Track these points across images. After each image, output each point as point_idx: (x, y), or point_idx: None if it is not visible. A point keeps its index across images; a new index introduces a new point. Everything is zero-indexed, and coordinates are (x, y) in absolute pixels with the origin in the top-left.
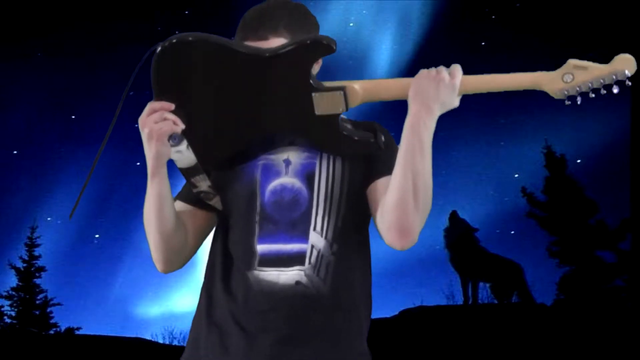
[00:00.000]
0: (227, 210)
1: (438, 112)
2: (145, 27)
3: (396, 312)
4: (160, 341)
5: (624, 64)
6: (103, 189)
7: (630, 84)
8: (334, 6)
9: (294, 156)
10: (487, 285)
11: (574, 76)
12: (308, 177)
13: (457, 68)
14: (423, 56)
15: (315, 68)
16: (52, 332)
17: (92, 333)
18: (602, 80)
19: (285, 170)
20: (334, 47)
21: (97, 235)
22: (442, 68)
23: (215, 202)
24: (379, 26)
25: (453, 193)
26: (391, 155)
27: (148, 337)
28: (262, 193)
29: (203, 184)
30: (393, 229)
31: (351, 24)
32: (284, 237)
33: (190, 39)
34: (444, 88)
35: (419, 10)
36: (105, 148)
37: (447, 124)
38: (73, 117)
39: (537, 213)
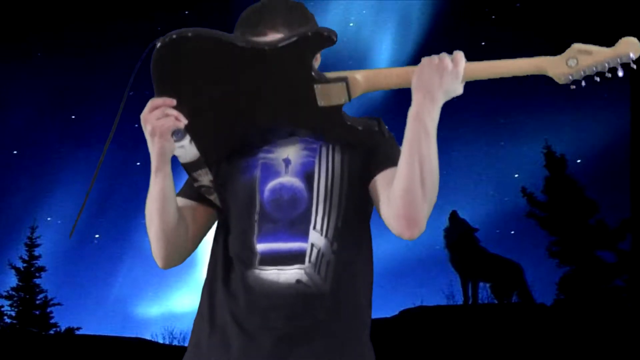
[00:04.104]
0: (227, 209)
1: (442, 100)
2: (145, 27)
3: (396, 312)
4: (160, 341)
5: (628, 47)
6: (103, 189)
7: (635, 66)
8: (334, 6)
9: (294, 155)
10: (487, 285)
11: (579, 60)
12: (307, 177)
13: (460, 55)
14: (423, 56)
15: (315, 64)
16: (52, 332)
17: (92, 333)
18: (607, 64)
19: (285, 170)
20: (335, 39)
21: (97, 235)
22: (444, 55)
23: (215, 198)
24: (379, 26)
25: (453, 193)
26: (392, 147)
27: (148, 337)
28: (261, 192)
29: (205, 178)
30: (401, 218)
31: (351, 24)
32: (283, 235)
33: (189, 34)
34: (447, 77)
35: (419, 10)
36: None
37: (447, 123)
38: (73, 117)
39: (537, 213)
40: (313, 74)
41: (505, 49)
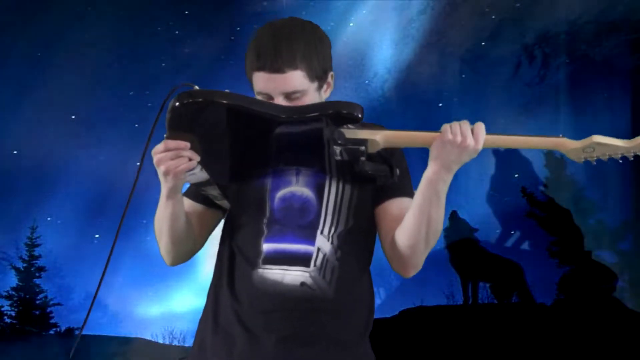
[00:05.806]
0: (237, 214)
1: (457, 169)
2: (145, 27)
3: (396, 312)
4: (160, 341)
5: None
6: (103, 189)
7: None
8: (334, 6)
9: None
10: (487, 285)
11: (595, 150)
12: (318, 188)
13: (481, 131)
14: (423, 56)
15: (327, 92)
16: (52, 332)
17: (92, 333)
18: (620, 153)
19: (295, 179)
20: (360, 116)
21: (97, 235)
22: (467, 130)
23: (223, 202)
24: (379, 26)
25: (453, 193)
26: (402, 177)
27: (148, 337)
28: (271, 199)
29: (213, 192)
30: (401, 264)
31: (351, 24)
32: (291, 237)
33: (200, 100)
34: (467, 154)
35: (419, 11)
36: (105, 148)
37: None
38: (73, 117)
39: (537, 213)
40: (334, 137)
41: (505, 49)
